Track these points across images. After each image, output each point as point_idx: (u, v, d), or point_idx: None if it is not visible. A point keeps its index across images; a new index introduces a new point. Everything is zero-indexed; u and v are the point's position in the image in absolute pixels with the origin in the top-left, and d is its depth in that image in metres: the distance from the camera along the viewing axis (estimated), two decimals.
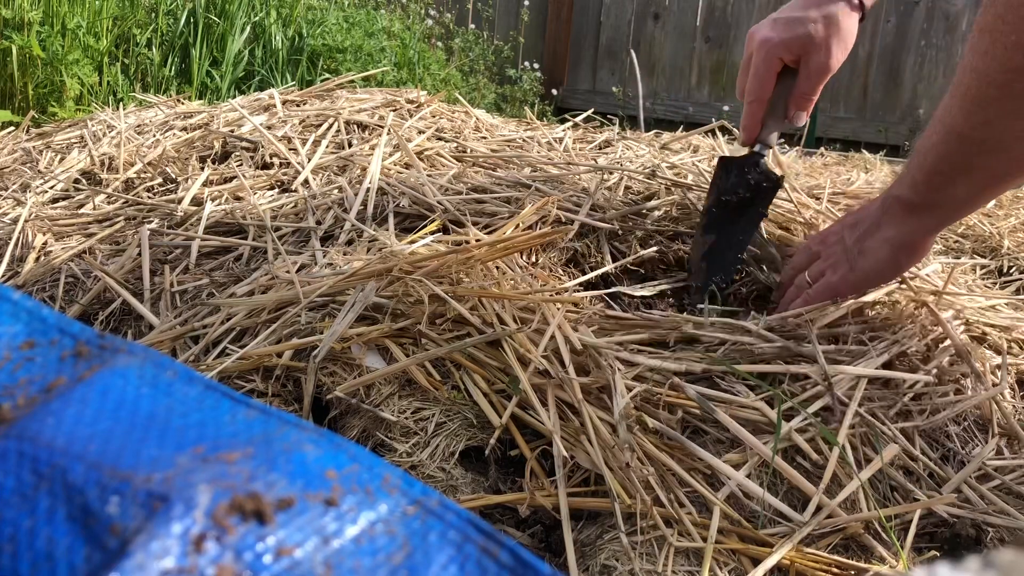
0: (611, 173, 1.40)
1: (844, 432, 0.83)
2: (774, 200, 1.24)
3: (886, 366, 0.93)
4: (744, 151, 1.16)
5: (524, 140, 1.64)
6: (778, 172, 1.14)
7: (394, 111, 1.69)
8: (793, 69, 1.11)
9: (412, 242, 1.12)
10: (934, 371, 0.94)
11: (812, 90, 1.10)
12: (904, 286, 1.07)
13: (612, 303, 1.09)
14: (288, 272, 1.05)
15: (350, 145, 1.52)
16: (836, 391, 0.87)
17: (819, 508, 0.77)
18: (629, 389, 0.84)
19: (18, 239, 1.24)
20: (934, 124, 0.93)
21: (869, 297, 1.03)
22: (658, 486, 0.77)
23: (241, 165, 1.48)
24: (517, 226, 1.14)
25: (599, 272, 1.11)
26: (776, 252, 1.18)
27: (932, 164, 0.93)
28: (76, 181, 1.49)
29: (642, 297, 1.12)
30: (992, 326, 1.08)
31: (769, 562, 0.72)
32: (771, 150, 1.14)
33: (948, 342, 1.00)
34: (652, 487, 0.76)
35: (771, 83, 1.11)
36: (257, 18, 2.94)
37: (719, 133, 1.88)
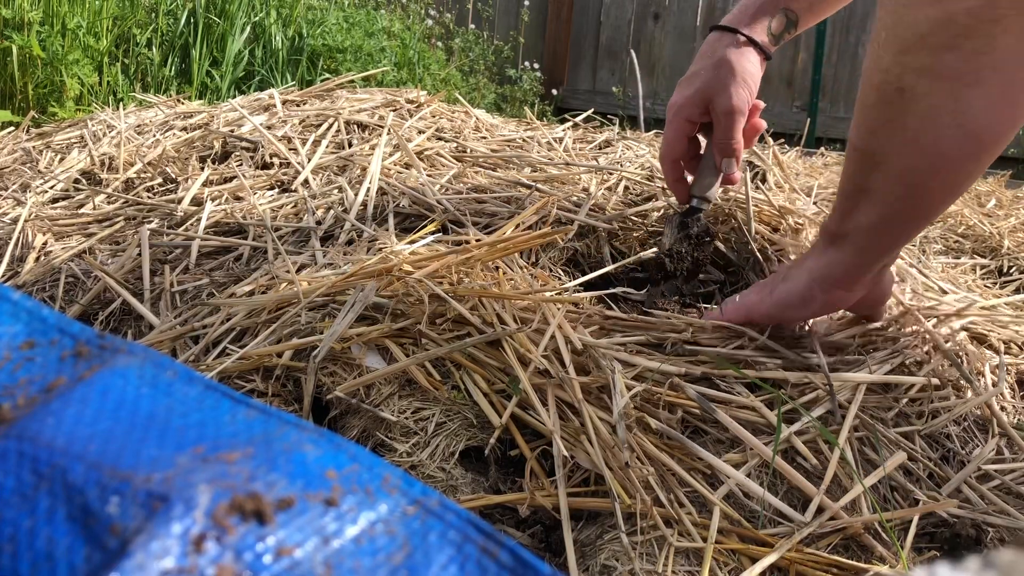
0: (611, 173, 1.40)
1: (844, 435, 0.83)
2: (761, 199, 1.24)
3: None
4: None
5: (524, 140, 1.64)
6: (713, 228, 1.14)
7: (394, 111, 1.69)
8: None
9: (412, 242, 1.12)
10: (932, 375, 0.94)
11: (727, 135, 1.06)
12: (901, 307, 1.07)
13: (612, 303, 1.09)
14: (288, 272, 1.05)
15: (350, 145, 1.52)
16: (837, 396, 0.87)
17: (820, 509, 0.77)
18: (629, 389, 0.84)
19: (18, 239, 1.24)
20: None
21: (873, 325, 1.03)
22: (658, 486, 0.77)
23: (241, 165, 1.48)
24: (517, 226, 1.14)
25: (599, 272, 1.11)
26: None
27: (841, 186, 0.88)
28: (76, 181, 1.49)
29: (639, 300, 1.12)
30: (995, 324, 1.08)
31: (767, 560, 0.72)
32: (709, 204, 1.13)
33: (948, 344, 1.00)
34: (652, 487, 0.76)
35: (679, 143, 1.10)
36: (257, 18, 2.94)
37: None
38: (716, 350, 0.92)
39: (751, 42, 1.05)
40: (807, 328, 1.00)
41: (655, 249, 1.19)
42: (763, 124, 1.12)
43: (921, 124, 0.78)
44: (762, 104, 1.10)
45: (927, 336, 1.00)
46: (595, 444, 0.78)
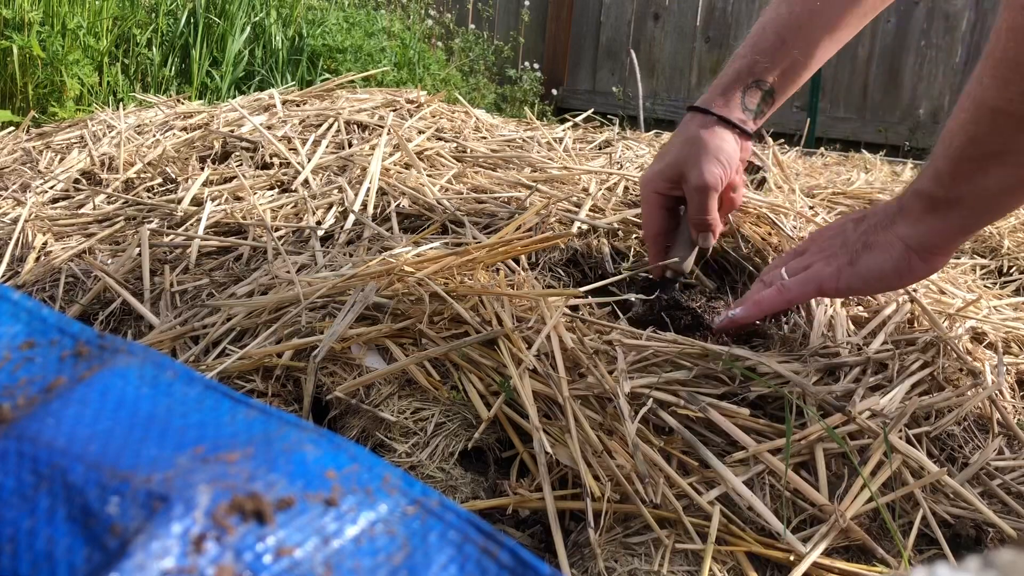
0: (610, 174, 1.40)
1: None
2: (757, 195, 1.24)
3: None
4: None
5: (524, 140, 1.64)
6: (687, 304, 1.11)
7: (394, 111, 1.69)
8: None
9: (416, 243, 1.12)
10: (939, 373, 0.94)
11: (700, 210, 1.04)
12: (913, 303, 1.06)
13: (617, 310, 1.09)
14: (288, 272, 1.05)
15: (350, 145, 1.52)
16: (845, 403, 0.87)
17: (825, 513, 0.77)
18: (635, 397, 0.84)
19: (18, 239, 1.24)
20: (962, 102, 0.80)
21: (888, 310, 1.02)
22: (657, 487, 0.76)
23: (241, 165, 1.48)
24: (518, 227, 1.14)
25: (607, 282, 1.09)
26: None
27: (959, 149, 0.80)
28: (76, 181, 1.49)
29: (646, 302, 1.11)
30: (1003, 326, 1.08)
31: (770, 564, 0.72)
32: (682, 276, 1.12)
33: (947, 342, 1.00)
34: (652, 487, 0.76)
35: (658, 217, 1.08)
36: (257, 18, 2.94)
37: None
38: (728, 349, 0.92)
39: (723, 120, 1.03)
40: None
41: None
42: (739, 200, 1.10)
43: None
44: (740, 180, 1.08)
45: (934, 331, 1.00)
46: (575, 441, 0.78)
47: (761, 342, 1.04)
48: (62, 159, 1.57)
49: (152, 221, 1.29)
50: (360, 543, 0.32)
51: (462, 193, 1.31)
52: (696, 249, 1.11)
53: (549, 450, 0.77)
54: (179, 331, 0.98)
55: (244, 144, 1.53)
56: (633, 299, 1.09)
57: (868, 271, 0.88)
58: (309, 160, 1.44)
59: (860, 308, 1.10)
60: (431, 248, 1.09)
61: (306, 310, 0.95)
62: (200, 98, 2.63)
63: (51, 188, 1.45)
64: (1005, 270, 1.46)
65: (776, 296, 0.93)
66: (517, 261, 1.08)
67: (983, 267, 1.45)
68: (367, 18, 3.38)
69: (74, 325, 0.42)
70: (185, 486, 0.31)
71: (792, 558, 0.73)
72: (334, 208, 1.28)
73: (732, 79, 1.05)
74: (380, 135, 1.51)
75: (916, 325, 1.06)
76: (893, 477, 0.81)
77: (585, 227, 1.21)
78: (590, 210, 1.25)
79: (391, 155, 1.45)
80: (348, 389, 0.86)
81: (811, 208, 1.40)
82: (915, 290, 1.11)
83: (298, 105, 1.77)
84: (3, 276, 1.18)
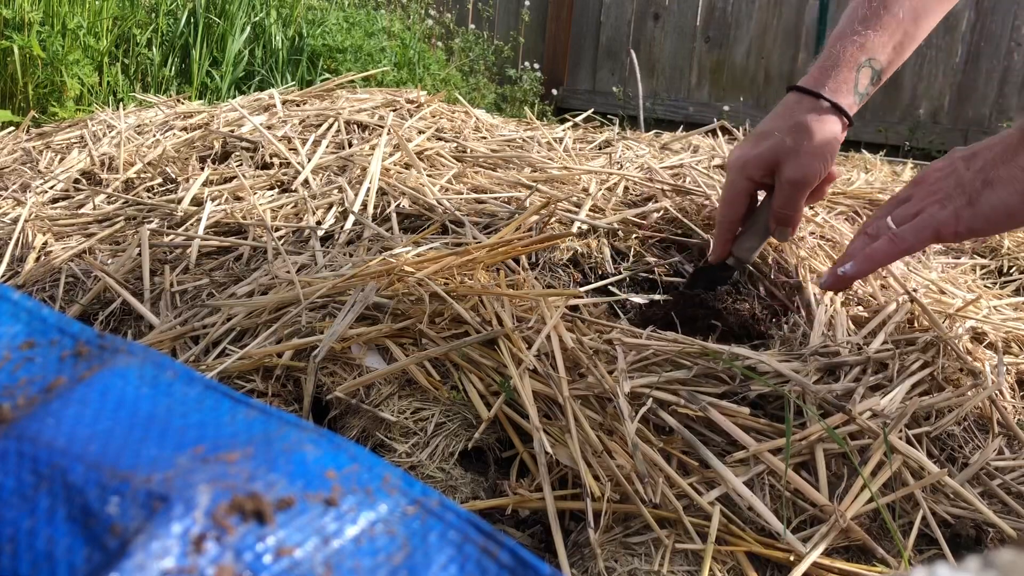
0: (610, 174, 1.40)
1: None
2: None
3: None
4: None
5: (524, 140, 1.64)
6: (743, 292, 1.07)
7: (394, 111, 1.69)
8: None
9: (416, 243, 1.12)
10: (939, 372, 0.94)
11: (788, 204, 0.98)
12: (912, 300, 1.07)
13: (618, 309, 1.09)
14: (288, 272, 1.05)
15: (350, 145, 1.52)
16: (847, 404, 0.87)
17: (825, 513, 0.77)
18: (635, 396, 0.84)
19: (18, 239, 1.24)
20: None
21: (888, 310, 1.02)
22: (656, 487, 0.76)
23: (241, 165, 1.48)
24: (518, 227, 1.14)
25: (607, 282, 1.09)
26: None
27: None
28: (76, 181, 1.49)
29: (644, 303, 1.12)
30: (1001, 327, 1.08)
31: (770, 564, 0.72)
32: (745, 266, 1.07)
33: (946, 341, 1.00)
34: (652, 487, 0.76)
35: (740, 204, 1.02)
36: (257, 18, 2.94)
37: (719, 133, 1.88)
38: (731, 349, 0.92)
39: (835, 108, 0.96)
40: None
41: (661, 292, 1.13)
42: (826, 193, 1.02)
43: None
44: (838, 174, 1.01)
45: (934, 331, 1.00)
46: (575, 440, 0.78)
47: (761, 341, 1.04)
48: (62, 159, 1.57)
49: (152, 221, 1.29)
50: (360, 543, 0.32)
51: (462, 193, 1.31)
52: (766, 241, 1.05)
53: (549, 450, 0.77)
54: (179, 331, 0.98)
55: (244, 144, 1.53)
56: (637, 298, 1.09)
57: (992, 209, 0.80)
58: (309, 160, 1.44)
59: (860, 308, 1.10)
60: (431, 248, 1.09)
61: (306, 310, 0.95)
62: (200, 98, 2.63)
63: (51, 188, 1.45)
64: (1005, 270, 1.46)
65: (889, 247, 0.85)
66: (517, 261, 1.08)
67: (983, 267, 1.45)
68: (367, 18, 3.38)
69: (74, 325, 0.42)
70: (185, 486, 0.31)
71: (792, 558, 0.73)
72: (334, 208, 1.28)
73: (843, 58, 0.96)
74: (380, 135, 1.51)
75: (916, 325, 1.06)
76: (893, 477, 0.81)
77: (585, 227, 1.20)
78: (590, 210, 1.25)
79: (391, 155, 1.44)
80: (348, 389, 0.86)
81: (811, 208, 1.40)
82: (915, 290, 1.11)
83: (298, 105, 1.77)
84: (3, 276, 1.18)
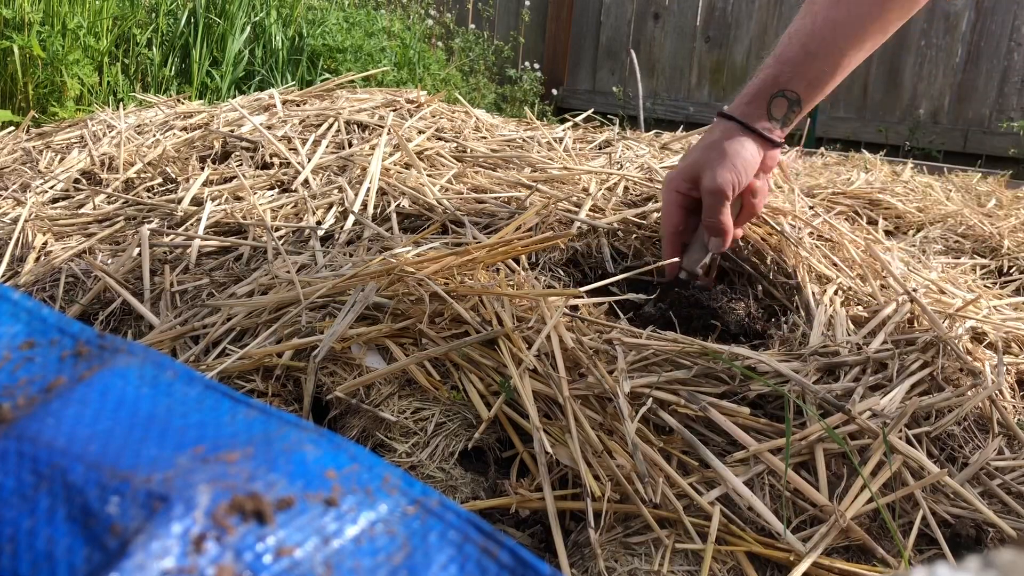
0: (610, 174, 1.40)
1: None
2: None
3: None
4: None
5: (524, 140, 1.64)
6: (705, 302, 1.10)
7: (394, 111, 1.69)
8: None
9: (416, 243, 1.12)
10: (938, 372, 0.94)
11: (709, 213, 1.07)
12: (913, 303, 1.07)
13: (617, 309, 1.09)
14: (288, 272, 1.05)
15: (350, 145, 1.52)
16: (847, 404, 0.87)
17: (825, 513, 0.77)
18: (635, 396, 0.84)
19: (18, 239, 1.24)
20: None
21: (888, 310, 1.02)
22: (656, 487, 0.76)
23: (241, 165, 1.48)
24: (518, 227, 1.14)
25: (607, 282, 1.09)
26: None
27: None
28: (76, 181, 1.49)
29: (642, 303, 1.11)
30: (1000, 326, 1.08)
31: (770, 564, 0.72)
32: (695, 278, 1.12)
33: (946, 341, 1.00)
34: (652, 487, 0.76)
35: (676, 216, 1.11)
36: (257, 18, 2.94)
37: None
38: (730, 348, 0.92)
39: (745, 127, 1.06)
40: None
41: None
42: (759, 207, 1.11)
43: None
44: (761, 186, 1.09)
45: (934, 331, 1.00)
46: (575, 440, 0.78)
47: (761, 341, 1.04)
48: (62, 159, 1.57)
49: (152, 221, 1.29)
50: (360, 543, 0.32)
51: (462, 193, 1.31)
52: (709, 254, 1.12)
53: (549, 450, 0.77)
54: (179, 331, 0.98)
55: (244, 144, 1.53)
56: (638, 298, 1.09)
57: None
58: (309, 160, 1.44)
59: (860, 308, 1.10)
60: (431, 248, 1.09)
61: (306, 310, 0.95)
62: (200, 98, 2.63)
63: (51, 188, 1.45)
64: (1005, 270, 1.46)
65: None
66: (517, 261, 1.08)
67: (983, 267, 1.45)
68: (367, 18, 3.38)
69: (74, 325, 0.42)
70: (185, 486, 0.31)
71: (792, 558, 0.73)
72: (334, 208, 1.28)
73: (759, 88, 1.07)
74: (380, 135, 1.51)
75: (916, 325, 1.06)
76: (893, 477, 0.81)
77: (585, 227, 1.20)
78: (590, 210, 1.25)
79: (391, 155, 1.44)
80: (348, 389, 0.86)
81: (811, 208, 1.40)
82: (915, 290, 1.11)
83: (298, 105, 1.77)
84: (3, 276, 1.18)
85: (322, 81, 2.46)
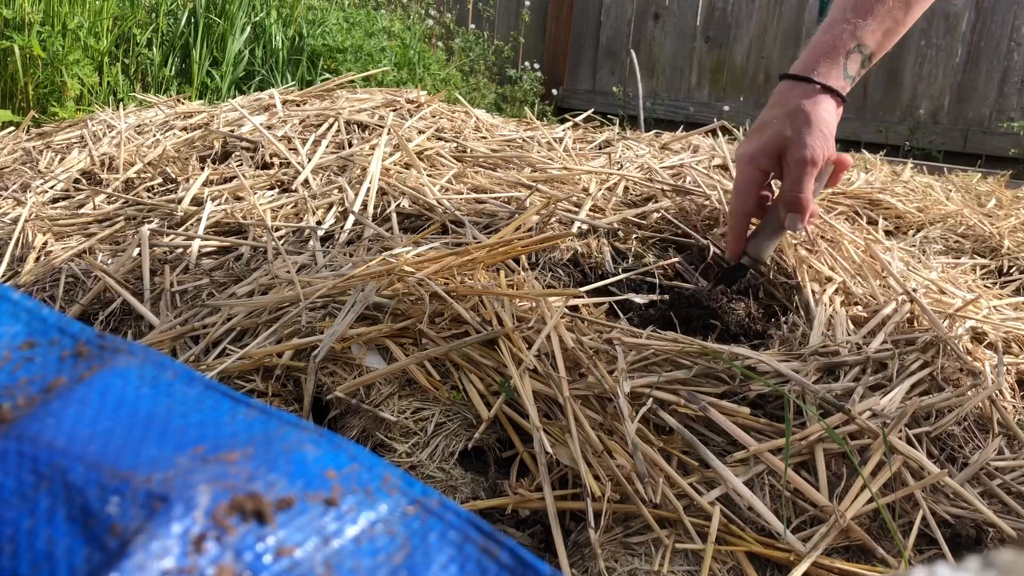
0: (610, 174, 1.40)
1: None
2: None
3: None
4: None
5: (524, 140, 1.64)
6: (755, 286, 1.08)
7: (394, 111, 1.69)
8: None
9: (416, 243, 1.12)
10: (938, 372, 0.94)
11: (796, 186, 1.00)
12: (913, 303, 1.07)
13: (617, 309, 1.09)
14: (288, 272, 1.05)
15: (350, 145, 1.52)
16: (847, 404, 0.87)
17: (825, 513, 0.77)
18: (635, 396, 0.84)
19: (18, 239, 1.24)
20: None
21: (887, 310, 1.02)
22: (656, 487, 0.76)
23: (241, 165, 1.47)
24: (518, 227, 1.14)
25: (607, 282, 1.09)
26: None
27: None
28: (76, 181, 1.49)
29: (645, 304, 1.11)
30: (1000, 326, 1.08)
31: (770, 564, 0.72)
32: (760, 266, 1.08)
33: (945, 341, 1.00)
34: (652, 487, 0.76)
35: (751, 195, 1.05)
36: (257, 18, 2.94)
37: (719, 133, 1.88)
38: (731, 348, 0.92)
39: (826, 89, 1.00)
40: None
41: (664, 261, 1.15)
42: (839, 179, 1.05)
43: None
44: (847, 159, 1.05)
45: (934, 331, 1.00)
46: (575, 440, 0.78)
47: (760, 341, 1.04)
48: (62, 159, 1.57)
49: (152, 221, 1.29)
50: (360, 543, 0.32)
51: (462, 193, 1.31)
52: (780, 237, 1.06)
53: (549, 450, 0.77)
54: (179, 331, 0.98)
55: (244, 144, 1.53)
56: (637, 298, 1.09)
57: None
58: (309, 160, 1.44)
59: (860, 308, 1.09)
60: (431, 248, 1.09)
61: (306, 310, 0.95)
62: (200, 98, 2.63)
63: (51, 188, 1.45)
64: (1005, 270, 1.46)
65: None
66: (517, 261, 1.08)
67: (983, 267, 1.45)
68: (367, 18, 3.38)
69: (74, 325, 0.42)
70: (185, 486, 0.31)
71: (792, 558, 0.73)
72: (334, 208, 1.28)
73: (832, 44, 1.01)
74: (380, 135, 1.51)
75: (916, 325, 1.06)
76: (893, 477, 0.81)
77: (585, 227, 1.20)
78: (590, 210, 1.25)
79: (391, 155, 1.44)
80: (348, 389, 0.86)
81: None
82: (915, 290, 1.11)
83: (298, 105, 1.77)
84: (3, 276, 1.18)
85: (322, 81, 2.46)
